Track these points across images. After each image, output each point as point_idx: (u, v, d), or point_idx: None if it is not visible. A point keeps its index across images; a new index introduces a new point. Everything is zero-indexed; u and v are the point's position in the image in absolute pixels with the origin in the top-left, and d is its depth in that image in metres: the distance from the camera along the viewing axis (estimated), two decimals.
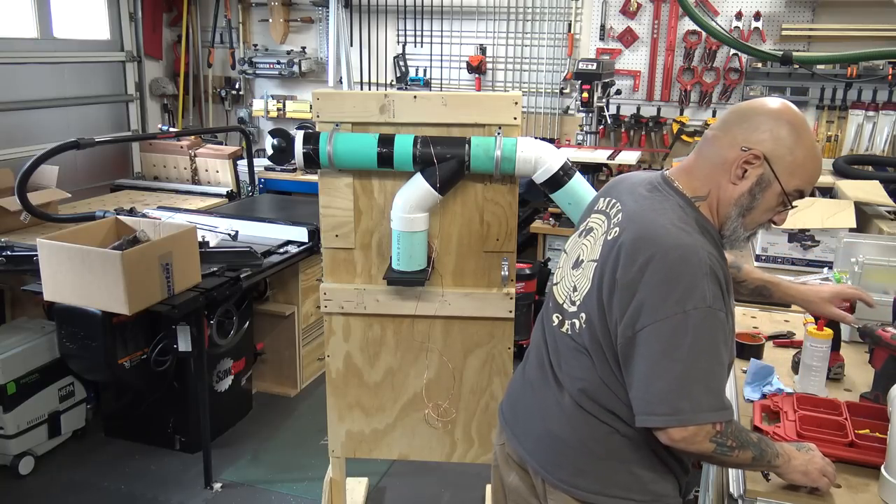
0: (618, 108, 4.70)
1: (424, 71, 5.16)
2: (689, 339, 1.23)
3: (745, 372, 1.74)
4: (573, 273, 1.47)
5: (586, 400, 1.40)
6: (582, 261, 1.45)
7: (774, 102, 1.37)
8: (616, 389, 1.36)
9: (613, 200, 1.45)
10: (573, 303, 1.43)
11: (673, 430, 1.25)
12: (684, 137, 4.62)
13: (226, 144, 5.30)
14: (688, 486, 1.50)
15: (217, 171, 4.74)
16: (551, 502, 1.46)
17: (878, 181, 3.00)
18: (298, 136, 2.18)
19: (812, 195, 2.83)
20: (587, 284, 1.40)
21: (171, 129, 4.95)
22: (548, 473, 1.45)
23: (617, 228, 1.37)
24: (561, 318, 1.47)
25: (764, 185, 1.34)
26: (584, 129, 4.50)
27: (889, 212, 2.81)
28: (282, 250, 3.45)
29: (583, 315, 1.40)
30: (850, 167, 3.77)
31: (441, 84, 5.15)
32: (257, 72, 5.49)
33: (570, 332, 1.43)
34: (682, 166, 1.45)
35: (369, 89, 5.22)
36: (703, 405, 1.24)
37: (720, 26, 3.94)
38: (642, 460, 1.39)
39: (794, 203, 1.37)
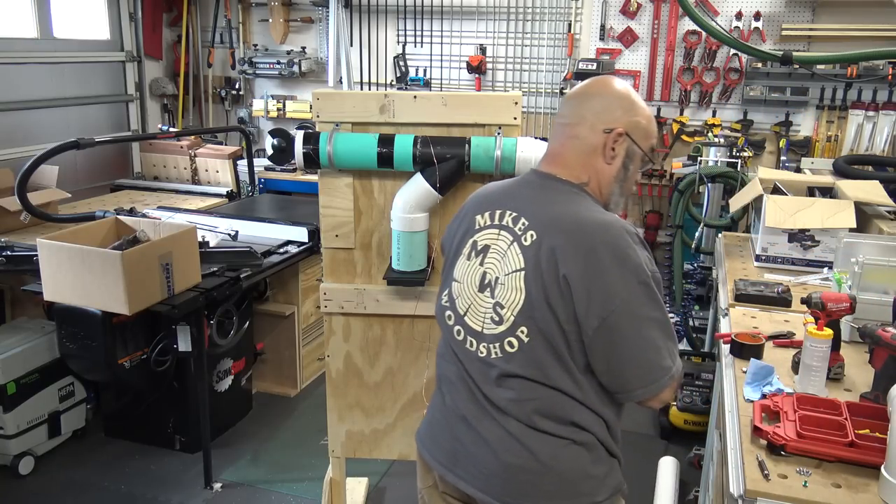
0: None
1: (424, 71, 5.16)
2: (653, 306, 1.37)
3: (745, 372, 1.74)
4: (482, 296, 1.45)
5: (541, 419, 1.39)
6: (495, 279, 1.44)
7: (609, 82, 1.50)
8: (574, 392, 1.38)
9: (500, 212, 1.48)
10: (499, 322, 1.41)
11: (666, 391, 1.38)
12: (684, 137, 4.62)
13: (226, 144, 5.31)
14: (687, 486, 1.51)
15: (217, 171, 4.74)
16: None
17: (878, 181, 3.00)
18: (298, 136, 2.18)
19: (812, 195, 2.84)
20: (518, 297, 1.39)
21: (171, 129, 4.95)
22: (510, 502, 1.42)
23: (532, 233, 1.40)
24: (485, 344, 1.43)
25: (631, 156, 1.49)
26: None
27: (889, 212, 2.81)
28: (282, 250, 3.45)
29: (523, 329, 1.38)
30: (850, 167, 3.77)
31: (441, 84, 5.15)
32: (257, 72, 5.49)
33: (500, 356, 1.41)
34: (552, 161, 1.50)
35: (369, 89, 5.22)
36: (677, 358, 1.40)
37: (720, 26, 3.94)
38: (597, 460, 1.44)
39: (653, 159, 1.55)
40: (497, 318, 1.42)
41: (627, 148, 1.47)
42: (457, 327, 1.50)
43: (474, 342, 1.46)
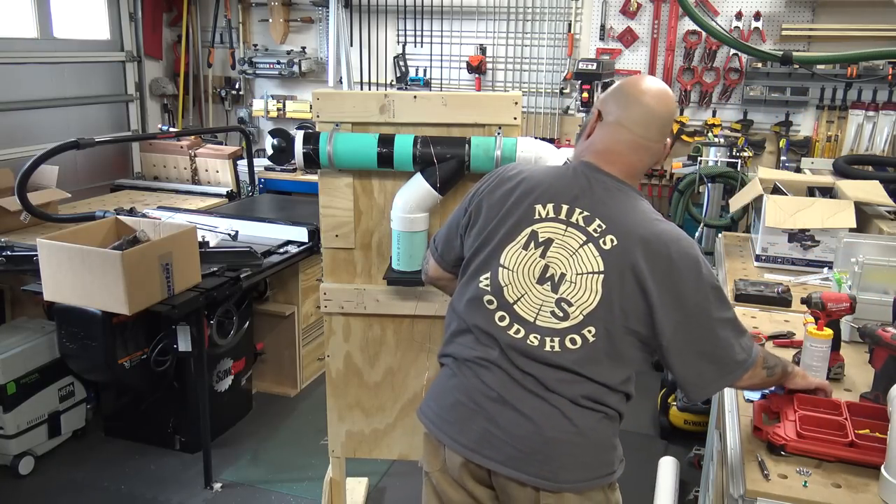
0: None
1: (424, 71, 5.16)
2: (725, 307, 1.46)
3: None
4: (542, 288, 1.48)
5: (583, 399, 1.46)
6: (561, 274, 1.47)
7: (669, 93, 1.58)
8: (619, 386, 1.48)
9: (567, 207, 1.50)
10: (563, 318, 1.45)
11: (744, 379, 1.48)
12: (684, 137, 4.62)
13: (226, 144, 5.31)
14: (687, 486, 1.54)
15: (217, 171, 4.74)
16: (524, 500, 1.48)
17: (878, 181, 3.00)
18: (298, 136, 2.18)
19: (812, 195, 2.84)
20: (593, 297, 1.44)
21: (171, 129, 4.96)
22: (545, 480, 1.45)
23: (611, 237, 1.46)
24: (538, 336, 1.46)
25: None
26: None
27: (889, 212, 2.81)
28: (282, 250, 3.45)
29: (590, 329, 1.44)
30: (850, 167, 3.77)
31: (441, 84, 5.15)
32: (257, 72, 5.49)
33: (559, 350, 1.45)
34: (628, 171, 1.55)
35: (369, 89, 5.22)
36: (752, 347, 1.49)
37: (720, 26, 3.94)
38: (615, 432, 1.54)
39: None
40: (561, 314, 1.46)
41: None
42: (500, 313, 1.50)
43: (522, 330, 1.48)
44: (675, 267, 1.43)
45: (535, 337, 1.46)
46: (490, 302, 1.52)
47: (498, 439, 1.47)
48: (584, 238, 1.47)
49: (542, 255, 1.49)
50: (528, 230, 1.51)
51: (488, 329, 1.51)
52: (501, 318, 1.50)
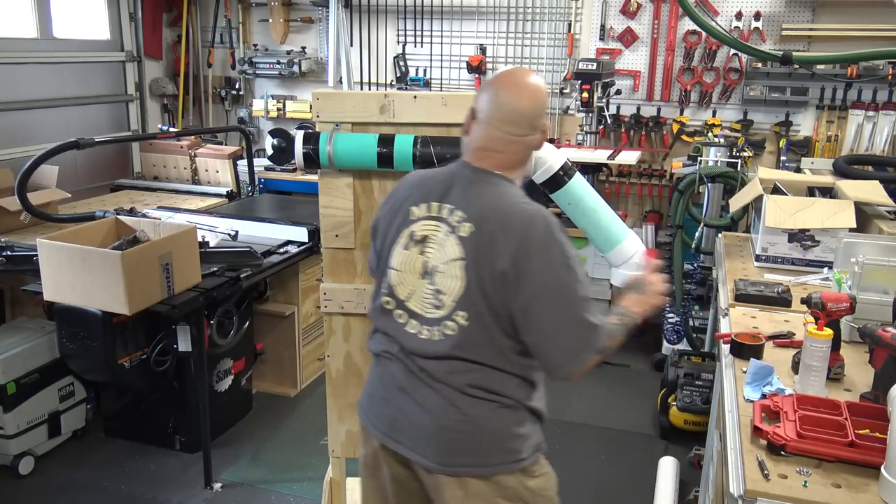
0: (618, 108, 4.70)
1: (424, 71, 5.16)
2: (578, 287, 1.51)
3: (745, 372, 1.74)
4: (424, 283, 1.59)
5: (472, 389, 1.55)
6: (434, 267, 1.58)
7: (539, 85, 1.63)
8: (505, 366, 1.55)
9: (437, 204, 1.61)
10: (438, 307, 1.57)
11: (589, 362, 1.52)
12: (684, 137, 4.62)
13: (226, 144, 5.31)
14: (687, 486, 1.55)
15: (217, 171, 4.75)
16: (447, 492, 1.59)
17: (878, 181, 3.00)
18: (298, 136, 2.18)
19: (812, 195, 2.84)
20: (457, 284, 1.55)
21: (171, 129, 4.96)
22: (444, 465, 1.57)
23: (468, 224, 1.55)
24: (427, 327, 1.58)
25: None
26: (584, 129, 4.50)
27: (889, 212, 2.81)
28: (282, 250, 3.45)
29: (462, 313, 1.54)
30: (850, 167, 3.77)
31: (441, 84, 5.15)
32: (257, 72, 5.48)
33: (440, 338, 1.56)
34: (498, 163, 1.62)
35: (369, 89, 5.22)
36: (599, 331, 1.52)
37: (720, 26, 3.94)
38: (521, 421, 1.59)
39: None
40: (437, 304, 1.57)
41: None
42: (398, 311, 1.63)
43: (416, 324, 1.60)
44: (527, 246, 1.49)
45: (425, 329, 1.58)
46: (388, 303, 1.65)
47: (404, 426, 1.62)
48: (448, 229, 1.58)
49: (421, 252, 1.60)
50: (407, 231, 1.64)
51: (389, 328, 1.65)
52: (399, 317, 1.63)
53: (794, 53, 3.54)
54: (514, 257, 1.49)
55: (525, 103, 1.60)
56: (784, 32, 4.29)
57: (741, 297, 2.26)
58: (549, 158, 2.13)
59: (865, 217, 2.77)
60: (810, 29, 4.24)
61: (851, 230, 2.44)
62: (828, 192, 2.88)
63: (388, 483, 1.71)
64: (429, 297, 1.58)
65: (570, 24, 4.77)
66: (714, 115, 4.58)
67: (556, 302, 1.50)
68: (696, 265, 4.09)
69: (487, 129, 1.61)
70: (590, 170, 4.22)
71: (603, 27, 4.68)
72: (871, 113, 4.24)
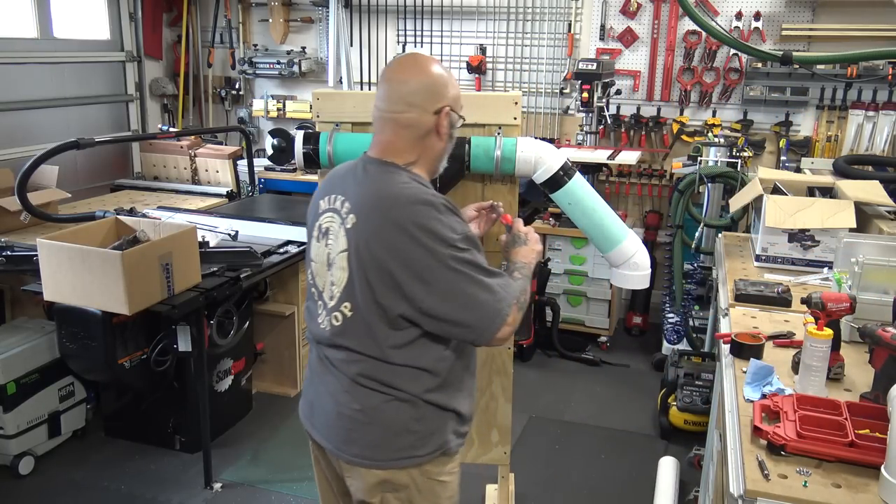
0: (618, 108, 4.70)
1: None
2: (468, 266, 1.48)
3: (745, 372, 1.74)
4: (328, 273, 1.60)
5: (364, 379, 1.56)
6: (333, 259, 1.59)
7: (423, 62, 1.61)
8: (392, 358, 1.53)
9: (334, 196, 1.62)
10: (332, 298, 1.59)
11: (504, 329, 1.52)
12: (684, 137, 4.62)
13: (226, 144, 5.30)
14: (687, 486, 1.54)
15: (217, 171, 4.74)
16: (348, 479, 1.65)
17: (878, 181, 3.00)
18: (298, 136, 2.18)
19: (812, 195, 2.84)
20: (343, 275, 1.56)
21: (171, 129, 4.95)
22: (342, 452, 1.62)
23: (352, 215, 1.55)
24: (327, 315, 1.61)
25: (454, 121, 1.64)
26: (584, 129, 4.50)
27: (889, 212, 2.81)
28: (282, 250, 3.45)
29: (347, 304, 1.56)
30: (850, 167, 3.77)
31: None
32: (257, 72, 5.48)
33: (332, 327, 1.59)
34: (384, 149, 1.61)
35: (369, 89, 5.22)
36: (503, 295, 1.52)
37: (720, 26, 3.94)
38: (421, 418, 1.57)
39: (463, 117, 1.69)
40: (331, 294, 1.59)
41: (451, 119, 1.62)
42: (319, 301, 1.65)
43: (323, 313, 1.62)
44: (406, 233, 1.47)
45: (325, 318, 1.61)
46: (312, 294, 1.68)
47: (317, 411, 1.68)
48: (340, 221, 1.58)
49: (326, 245, 1.62)
50: (317, 224, 1.66)
51: (309, 317, 1.70)
52: (319, 306, 1.65)
53: (794, 53, 3.54)
54: (391, 245, 1.48)
55: (399, 77, 1.59)
56: (784, 32, 4.28)
57: (741, 297, 2.26)
58: (549, 158, 2.13)
59: (865, 217, 2.77)
60: (810, 29, 4.24)
61: (851, 230, 2.44)
62: (828, 192, 2.88)
63: (325, 468, 1.76)
64: (329, 287, 1.60)
65: (570, 24, 4.77)
66: (714, 115, 4.58)
67: (444, 282, 1.48)
68: (696, 265, 4.09)
69: (373, 112, 1.63)
70: (590, 170, 4.22)
71: (603, 27, 4.68)
72: (871, 113, 4.24)
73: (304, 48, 5.40)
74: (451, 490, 1.69)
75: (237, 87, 5.66)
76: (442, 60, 5.04)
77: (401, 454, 1.58)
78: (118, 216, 3.02)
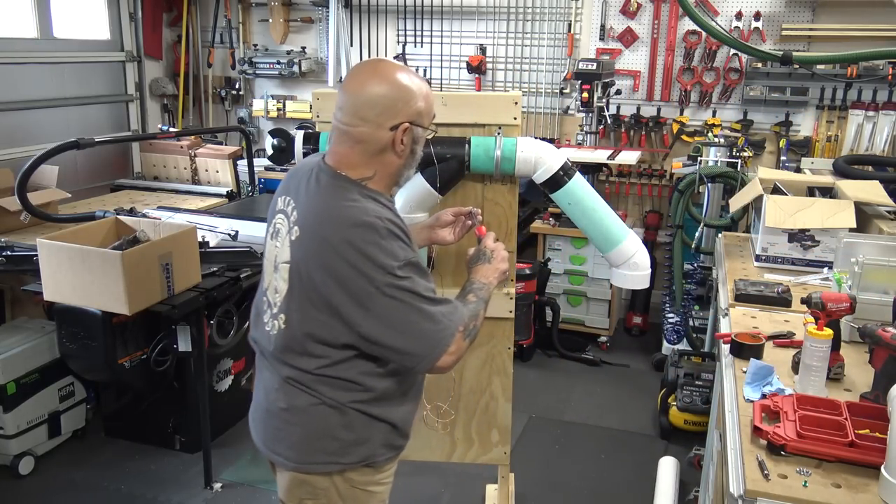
0: (618, 108, 4.70)
1: (424, 71, 5.15)
2: (406, 295, 1.44)
3: (745, 372, 1.74)
4: (274, 276, 1.57)
5: (293, 380, 1.54)
6: (278, 264, 1.56)
7: (384, 73, 1.50)
8: (321, 371, 1.50)
9: (289, 199, 1.57)
10: (275, 305, 1.56)
11: (444, 358, 1.49)
12: (684, 137, 4.62)
13: (226, 144, 5.30)
14: (687, 486, 1.53)
15: (217, 171, 4.74)
16: (279, 477, 1.66)
17: (878, 181, 3.00)
18: (298, 136, 2.18)
19: (812, 195, 2.84)
20: (284, 287, 1.52)
21: (171, 129, 4.95)
22: (268, 449, 1.62)
23: (297, 228, 1.51)
24: (269, 317, 1.58)
25: (417, 139, 1.56)
26: (584, 129, 4.50)
27: (889, 212, 2.81)
28: None
29: (282, 316, 1.53)
30: (850, 167, 3.77)
31: (441, 84, 5.14)
32: (257, 72, 5.48)
33: (273, 332, 1.56)
34: (340, 160, 1.53)
35: None
36: (445, 324, 1.49)
37: (720, 26, 3.94)
38: (348, 426, 1.54)
39: (434, 127, 1.61)
40: (274, 301, 1.57)
41: (414, 133, 1.53)
42: (265, 298, 1.63)
43: (268, 313, 1.60)
44: (345, 257, 1.42)
45: (269, 320, 1.58)
46: (262, 288, 1.66)
47: (254, 405, 1.68)
48: (287, 228, 1.54)
49: (275, 246, 1.58)
50: (273, 222, 1.62)
51: (255, 314, 1.67)
52: (264, 304, 1.62)
53: (794, 53, 3.53)
54: (328, 268, 1.44)
55: (353, 88, 1.51)
56: (784, 32, 4.29)
57: (741, 297, 2.26)
58: (549, 158, 2.13)
59: (865, 217, 2.77)
60: (810, 29, 4.24)
61: (851, 230, 2.44)
62: (828, 192, 2.88)
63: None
64: (273, 293, 1.57)
65: (570, 24, 4.77)
66: (714, 115, 4.58)
67: (382, 308, 1.43)
68: (696, 265, 4.09)
69: (334, 129, 1.56)
70: (590, 170, 4.22)
71: (603, 27, 4.68)
72: (871, 113, 4.24)
73: (304, 48, 5.40)
74: (377, 501, 1.64)
75: (237, 87, 5.66)
76: (442, 60, 5.09)
77: (322, 459, 1.55)
78: (118, 216, 3.01)
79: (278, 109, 5.41)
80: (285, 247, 1.53)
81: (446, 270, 2.34)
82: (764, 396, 1.63)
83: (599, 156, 4.25)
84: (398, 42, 5.17)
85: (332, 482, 1.57)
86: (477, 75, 4.98)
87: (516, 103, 2.17)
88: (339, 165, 1.53)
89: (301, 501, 1.61)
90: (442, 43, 5.08)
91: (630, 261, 2.19)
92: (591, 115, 4.39)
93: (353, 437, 1.55)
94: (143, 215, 3.28)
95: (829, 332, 1.63)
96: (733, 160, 3.92)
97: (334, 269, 1.43)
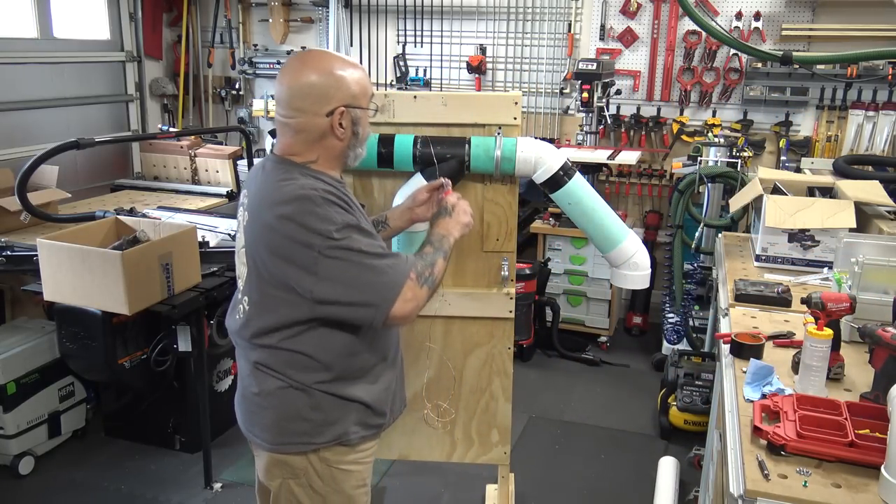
0: (618, 108, 4.70)
1: (424, 71, 5.16)
2: (347, 252, 1.50)
3: (745, 372, 1.74)
4: (238, 263, 1.69)
5: (261, 364, 1.63)
6: (238, 250, 1.68)
7: (310, 63, 1.57)
8: (289, 346, 1.58)
9: (245, 191, 1.68)
10: (240, 290, 1.68)
11: (395, 307, 1.53)
12: (684, 137, 4.62)
13: (226, 144, 5.30)
14: (687, 486, 1.54)
15: (217, 171, 4.74)
16: (257, 459, 1.75)
17: (878, 181, 3.00)
18: None
19: (812, 195, 2.84)
20: (244, 270, 1.64)
21: (171, 129, 4.95)
22: (247, 432, 1.71)
23: (247, 214, 1.62)
24: (237, 303, 1.70)
25: (357, 120, 1.61)
26: (584, 129, 4.50)
27: (889, 212, 2.81)
28: None
29: (245, 298, 1.64)
30: (850, 167, 3.77)
31: (441, 84, 5.15)
32: (257, 72, 5.48)
33: (240, 316, 1.66)
34: (283, 149, 1.62)
35: None
36: (392, 274, 1.54)
37: (720, 26, 3.94)
38: (316, 407, 1.61)
39: (374, 104, 1.68)
40: (240, 286, 1.68)
41: (352, 115, 1.59)
42: (238, 286, 1.72)
43: (236, 298, 1.70)
44: (285, 228, 1.50)
45: (239, 307, 1.68)
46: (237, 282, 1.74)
47: (236, 394, 1.77)
48: (242, 216, 1.66)
49: (239, 233, 1.68)
50: (240, 214, 1.70)
51: (231, 307, 1.75)
52: (237, 291, 1.72)
53: (794, 53, 3.53)
54: (270, 245, 1.53)
55: (285, 81, 1.58)
56: (784, 32, 4.29)
57: (741, 297, 2.26)
58: (549, 158, 2.13)
59: (865, 217, 2.77)
60: (810, 29, 4.24)
61: (851, 230, 2.44)
62: (828, 192, 2.88)
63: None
64: (239, 278, 1.68)
65: (570, 24, 4.77)
66: (714, 115, 4.58)
67: (327, 269, 1.50)
68: (696, 265, 4.09)
69: (276, 122, 1.64)
70: (590, 170, 4.22)
71: (603, 27, 4.68)
72: (871, 113, 4.24)
73: (304, 48, 5.40)
74: (356, 479, 1.72)
75: (237, 87, 5.66)
76: (442, 60, 5.09)
77: (295, 439, 1.63)
78: (118, 216, 3.01)
79: None
80: (241, 233, 1.65)
81: (446, 270, 2.33)
82: (764, 396, 1.63)
83: (599, 156, 4.25)
84: (398, 42, 5.17)
85: (308, 462, 1.65)
86: (477, 75, 4.98)
87: (516, 103, 2.17)
88: (284, 154, 1.62)
89: (282, 481, 1.68)
90: (442, 43, 5.08)
91: (630, 261, 2.19)
92: (591, 115, 4.39)
93: (323, 418, 1.62)
94: (143, 215, 3.28)
95: (829, 332, 1.63)
96: (733, 160, 3.92)
97: (278, 246, 1.52)
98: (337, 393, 1.62)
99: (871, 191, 2.82)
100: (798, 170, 4.10)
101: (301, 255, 1.50)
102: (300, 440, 1.63)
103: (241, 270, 1.66)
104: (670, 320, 4.20)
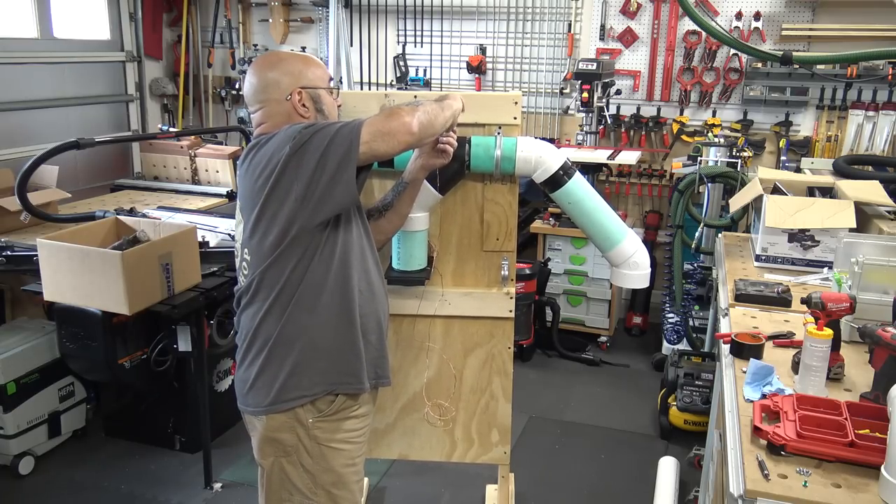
0: (618, 108, 4.70)
1: (424, 71, 5.16)
2: (312, 130, 1.60)
3: (745, 372, 1.74)
4: (238, 229, 1.79)
5: (253, 334, 1.78)
6: (236, 215, 1.80)
7: (260, 64, 1.79)
8: (282, 286, 1.70)
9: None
10: (238, 255, 1.79)
11: (363, 133, 1.59)
12: (684, 137, 4.62)
13: (226, 144, 5.30)
14: (687, 486, 1.54)
15: (217, 171, 4.74)
16: (252, 439, 1.85)
17: (878, 181, 3.00)
18: None
19: (812, 195, 2.84)
20: (241, 227, 1.75)
21: (171, 129, 4.94)
22: (243, 405, 1.84)
23: (239, 171, 1.77)
24: (240, 271, 1.82)
25: (318, 96, 1.79)
26: (584, 129, 4.50)
27: (889, 212, 2.81)
28: None
29: (246, 250, 1.74)
30: (850, 167, 3.77)
31: (441, 84, 5.14)
32: None
33: (243, 274, 1.78)
34: (262, 131, 1.78)
35: (369, 89, 5.22)
36: (360, 118, 1.62)
37: (720, 26, 3.94)
38: (301, 358, 1.73)
39: (333, 83, 1.87)
40: (238, 252, 1.80)
41: (311, 94, 1.77)
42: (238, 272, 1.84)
43: (241, 265, 1.81)
44: (257, 164, 1.65)
45: (241, 279, 1.82)
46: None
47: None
48: (238, 211, 1.79)
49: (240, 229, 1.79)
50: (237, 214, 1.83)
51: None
52: (238, 274, 1.85)
53: (794, 53, 3.53)
54: (257, 176, 1.65)
55: (248, 80, 1.79)
56: (784, 32, 4.29)
57: (741, 297, 2.26)
58: (549, 158, 2.13)
59: (865, 217, 2.77)
60: (810, 29, 4.24)
61: (851, 230, 2.44)
62: (828, 192, 2.88)
63: None
64: (239, 245, 1.79)
65: (570, 24, 4.77)
66: (714, 115, 4.58)
67: (303, 152, 1.59)
68: (696, 265, 4.09)
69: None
70: (590, 170, 4.22)
71: (603, 27, 4.68)
72: (871, 113, 4.24)
73: (304, 48, 5.40)
74: (345, 458, 1.80)
75: (237, 87, 5.65)
76: (442, 60, 5.09)
77: (278, 398, 1.75)
78: (118, 216, 3.01)
79: None
80: (238, 225, 1.77)
81: (446, 270, 2.34)
82: (764, 396, 1.63)
83: (599, 156, 4.25)
84: (398, 42, 5.17)
85: (298, 439, 1.75)
86: (477, 75, 4.98)
87: (516, 103, 2.17)
88: (261, 134, 1.77)
89: (274, 459, 1.78)
90: (442, 43, 5.08)
91: (630, 260, 2.19)
92: (591, 115, 4.39)
93: (285, 376, 1.74)
94: (143, 215, 3.28)
95: (829, 332, 1.63)
96: (733, 160, 3.92)
97: (260, 174, 1.64)
98: (320, 347, 1.73)
99: (871, 191, 2.82)
100: (798, 170, 4.10)
101: (280, 163, 1.60)
102: (283, 398, 1.74)
103: (239, 229, 1.77)
104: (670, 320, 4.20)
